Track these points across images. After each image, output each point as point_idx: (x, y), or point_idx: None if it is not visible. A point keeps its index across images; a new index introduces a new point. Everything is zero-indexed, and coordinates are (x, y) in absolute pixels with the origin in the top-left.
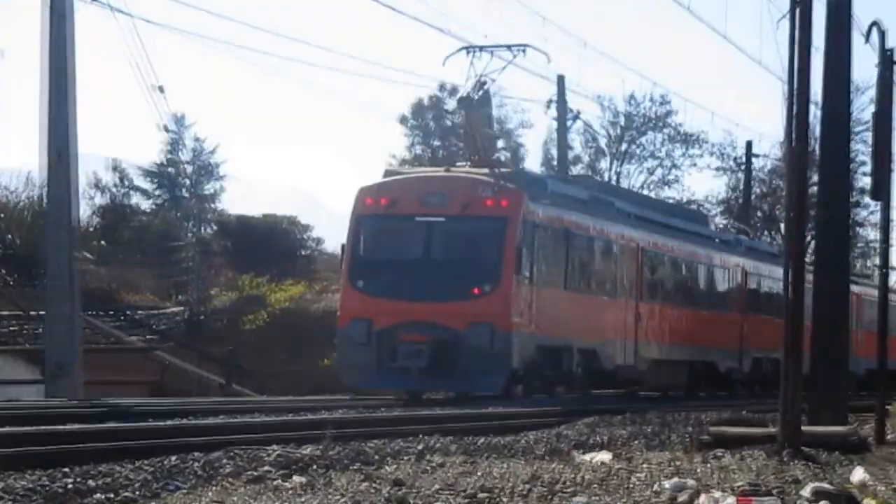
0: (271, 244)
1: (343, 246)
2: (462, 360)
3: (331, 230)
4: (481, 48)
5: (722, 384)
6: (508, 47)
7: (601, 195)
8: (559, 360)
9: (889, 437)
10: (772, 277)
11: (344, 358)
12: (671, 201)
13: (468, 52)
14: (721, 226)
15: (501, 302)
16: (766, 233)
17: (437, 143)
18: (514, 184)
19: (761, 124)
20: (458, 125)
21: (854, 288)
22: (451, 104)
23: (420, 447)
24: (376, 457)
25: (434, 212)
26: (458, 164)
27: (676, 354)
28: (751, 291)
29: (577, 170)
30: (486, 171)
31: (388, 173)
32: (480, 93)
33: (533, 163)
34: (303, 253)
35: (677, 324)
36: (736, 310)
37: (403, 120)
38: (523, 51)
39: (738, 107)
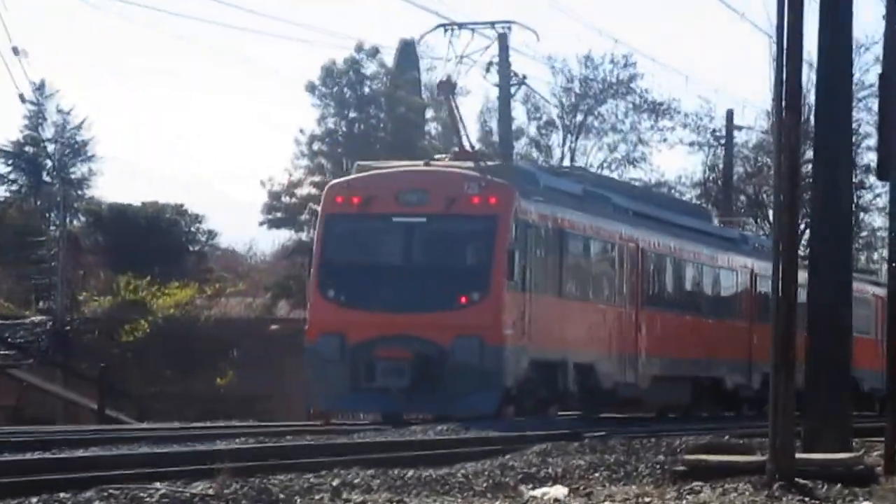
0: (154, 238)
1: (311, 251)
2: (448, 379)
3: (228, 221)
4: (460, 25)
5: (729, 403)
6: (492, 24)
7: (596, 189)
8: (554, 377)
9: None
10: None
11: (314, 378)
12: (637, 183)
13: (445, 31)
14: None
15: (492, 312)
16: (750, 220)
17: (353, 114)
18: (503, 178)
19: (745, 90)
20: (379, 93)
21: (877, 290)
22: (370, 67)
23: (335, 482)
24: (282, 495)
25: (414, 211)
26: (437, 156)
27: (680, 369)
28: (761, 296)
29: (521, 146)
30: (470, 164)
31: (360, 168)
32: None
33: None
34: (192, 249)
35: (681, 334)
36: (744, 318)
37: (312, 88)
38: (508, 28)
39: (716, 69)
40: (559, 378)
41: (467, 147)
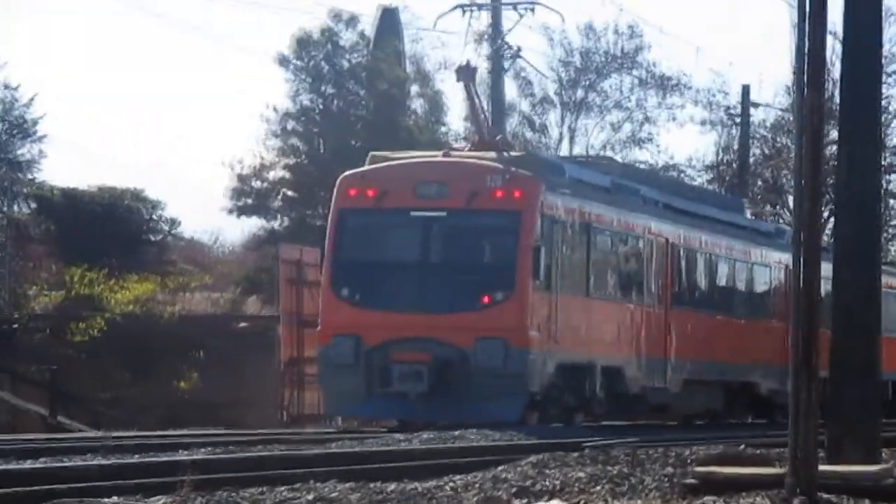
0: (110, 227)
1: (323, 247)
2: (469, 384)
3: (191, 208)
4: (480, 6)
5: (763, 409)
6: (514, 6)
7: (624, 181)
8: (581, 382)
9: None
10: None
11: (326, 382)
12: (643, 166)
13: (464, 11)
14: None
15: (516, 313)
16: (768, 208)
17: (330, 90)
18: (528, 170)
19: (762, 64)
20: (358, 66)
21: None
22: (347, 38)
23: (311, 496)
24: None
25: (433, 205)
26: (457, 145)
27: (712, 373)
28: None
29: (513, 124)
30: (492, 154)
31: (374, 158)
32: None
33: (455, 116)
34: (153, 239)
35: (712, 336)
36: (780, 318)
37: (284, 61)
38: (532, 9)
39: (731, 41)
40: (586, 383)
41: (488, 136)
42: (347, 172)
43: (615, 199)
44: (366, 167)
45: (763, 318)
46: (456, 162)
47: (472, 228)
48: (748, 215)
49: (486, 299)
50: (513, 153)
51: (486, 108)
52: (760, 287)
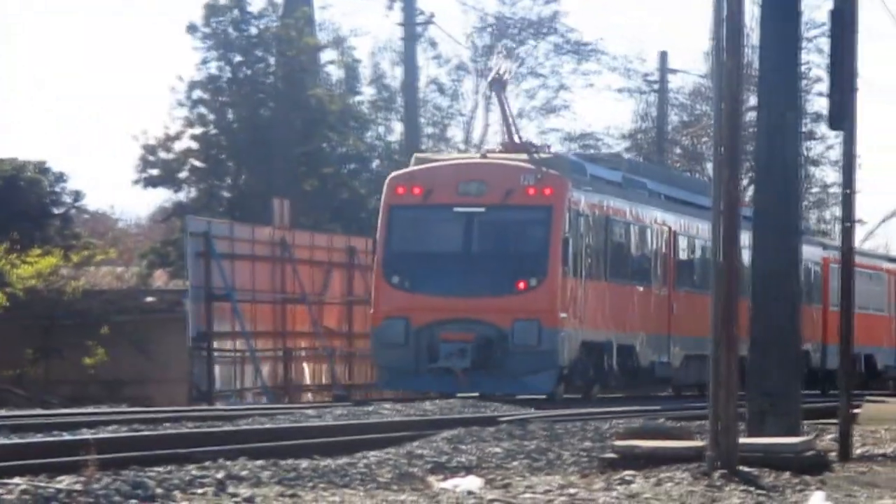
0: (11, 199)
1: (374, 239)
2: (508, 360)
3: (97, 179)
4: None
5: None
6: None
7: (633, 176)
8: (601, 357)
9: (857, 450)
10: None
11: (379, 359)
12: (559, 134)
13: None
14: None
15: (549, 297)
16: (687, 174)
17: (238, 58)
18: (556, 169)
19: (680, 29)
20: (267, 33)
21: (890, 265)
22: (257, 4)
23: (220, 475)
24: (160, 489)
25: (473, 201)
26: (490, 147)
27: (695, 347)
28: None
29: (427, 93)
30: (524, 156)
31: (418, 159)
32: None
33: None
34: (56, 211)
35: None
36: None
37: (192, 28)
38: None
39: (648, 6)
40: (605, 358)
41: (517, 140)
42: (396, 172)
43: (627, 192)
44: (412, 168)
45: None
46: (493, 163)
47: (509, 222)
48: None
49: (521, 285)
50: (542, 155)
51: (512, 114)
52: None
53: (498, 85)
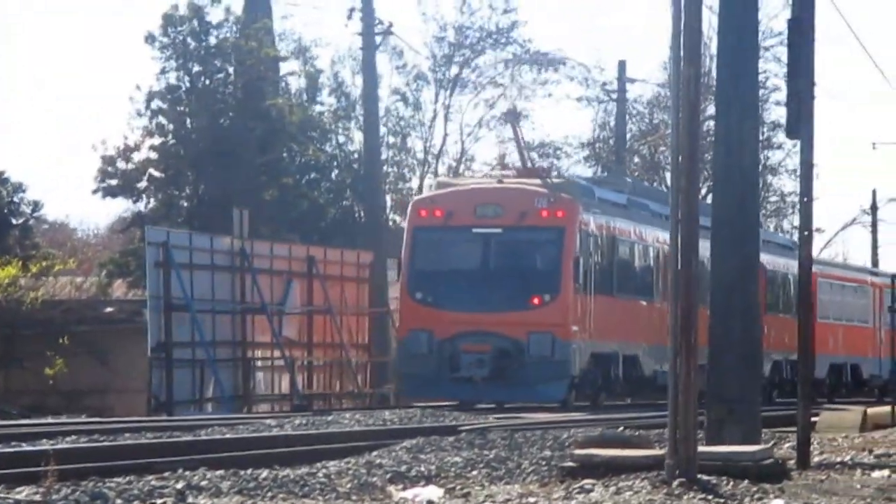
0: None
1: (399, 258)
2: (524, 370)
3: (56, 190)
4: None
5: None
6: None
7: (636, 198)
8: (608, 367)
9: (816, 458)
10: (789, 273)
11: (403, 369)
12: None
13: None
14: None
15: (561, 311)
16: (645, 185)
17: (197, 68)
18: (566, 193)
19: (639, 39)
20: (226, 44)
21: (874, 279)
22: (216, 14)
23: (180, 485)
24: (119, 500)
25: (491, 223)
26: (504, 172)
27: (704, 358)
28: (772, 289)
29: (388, 101)
30: (537, 180)
31: (440, 185)
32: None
33: (324, 93)
34: (15, 222)
35: (705, 326)
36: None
37: (151, 38)
38: None
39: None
40: (612, 368)
41: (530, 165)
42: (418, 196)
43: (631, 213)
44: (434, 192)
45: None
46: (508, 187)
47: (524, 242)
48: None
49: (536, 300)
50: (554, 179)
51: (525, 142)
52: None
53: (512, 116)
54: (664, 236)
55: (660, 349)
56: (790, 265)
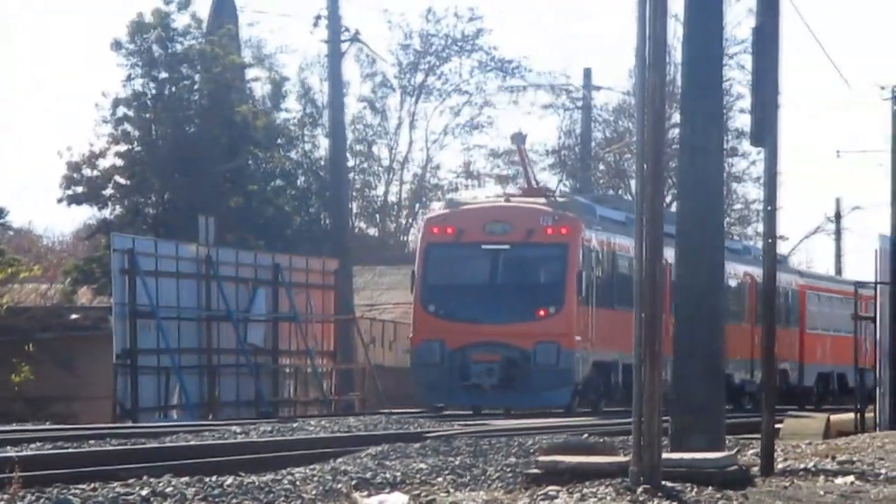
0: None
1: (413, 272)
2: (531, 377)
3: (21, 196)
4: None
5: (737, 396)
6: None
7: (632, 214)
8: (608, 375)
9: (780, 465)
10: (779, 284)
11: (418, 377)
12: (483, 151)
13: None
14: (554, 184)
15: (566, 322)
16: (611, 192)
17: (163, 74)
18: (570, 211)
19: (604, 46)
20: (192, 50)
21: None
22: (181, 20)
23: (145, 492)
24: None
25: (499, 240)
26: (510, 192)
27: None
28: (759, 299)
29: (356, 108)
30: (542, 199)
31: (451, 203)
32: None
33: (291, 100)
34: None
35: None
36: (747, 321)
37: (117, 45)
38: None
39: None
40: (612, 376)
41: (535, 185)
42: (431, 214)
43: (629, 230)
44: (445, 210)
45: (735, 322)
46: (515, 206)
47: (530, 257)
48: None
49: (542, 312)
50: (558, 198)
51: (531, 163)
52: (733, 295)
53: (519, 138)
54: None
55: None
56: (781, 278)
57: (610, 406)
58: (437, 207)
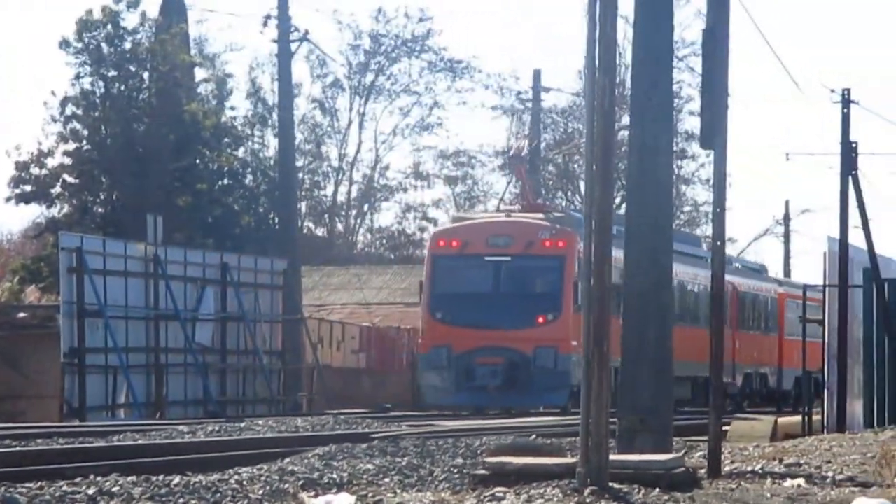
0: None
1: (420, 282)
2: (531, 379)
3: None
4: None
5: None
6: None
7: (622, 227)
8: None
9: (727, 467)
10: (759, 293)
11: (426, 379)
12: (432, 151)
13: None
14: (499, 184)
15: (563, 328)
16: (560, 193)
17: (112, 73)
18: (566, 225)
19: (553, 48)
20: (141, 49)
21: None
22: (131, 20)
23: (91, 491)
24: None
25: (501, 252)
26: (511, 208)
27: (686, 371)
28: (741, 307)
29: (305, 107)
30: (540, 214)
31: (455, 219)
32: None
33: (240, 99)
34: None
35: (686, 342)
36: (729, 326)
37: (65, 44)
38: None
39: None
40: None
41: (533, 201)
42: (437, 229)
43: (619, 242)
44: (451, 225)
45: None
46: (516, 221)
47: (530, 268)
48: (704, 247)
49: (541, 319)
50: (555, 213)
51: (530, 181)
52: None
53: (517, 160)
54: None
55: None
56: (762, 286)
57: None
58: (443, 223)
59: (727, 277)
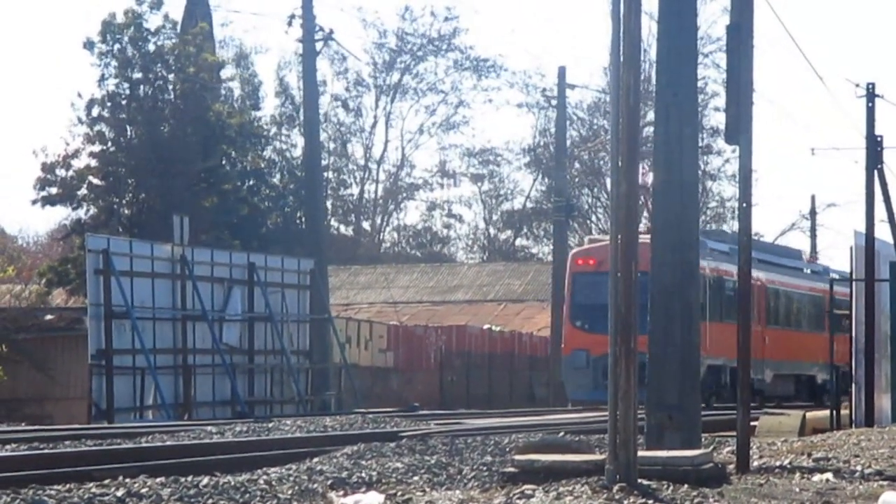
0: None
1: (563, 296)
2: None
3: None
4: None
5: (818, 393)
6: None
7: (735, 246)
8: (719, 376)
9: (755, 462)
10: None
11: (568, 378)
12: (459, 149)
13: None
14: (525, 181)
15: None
16: (586, 190)
17: (137, 74)
18: None
19: (579, 45)
20: (165, 50)
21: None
22: (154, 21)
23: (120, 493)
24: None
25: None
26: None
27: (786, 369)
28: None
29: (328, 106)
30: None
31: (591, 241)
32: None
33: (268, 98)
34: None
35: (792, 343)
36: (825, 330)
37: (90, 45)
38: None
39: (547, 22)
40: (721, 376)
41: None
42: (576, 249)
43: (732, 258)
44: (587, 245)
45: (816, 330)
46: (643, 242)
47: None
48: (804, 258)
49: None
50: None
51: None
52: (813, 309)
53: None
54: (756, 274)
55: (754, 362)
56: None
57: (719, 402)
58: (584, 243)
59: (824, 286)
